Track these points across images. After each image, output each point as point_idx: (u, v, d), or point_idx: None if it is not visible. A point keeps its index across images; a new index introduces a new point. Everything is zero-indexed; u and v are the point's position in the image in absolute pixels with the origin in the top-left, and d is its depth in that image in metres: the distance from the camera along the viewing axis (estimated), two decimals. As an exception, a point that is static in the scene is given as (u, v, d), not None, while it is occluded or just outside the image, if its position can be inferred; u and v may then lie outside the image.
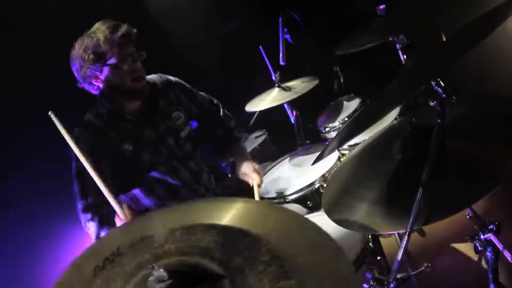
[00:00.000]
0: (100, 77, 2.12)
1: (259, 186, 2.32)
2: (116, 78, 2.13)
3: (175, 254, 0.87)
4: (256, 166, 2.39)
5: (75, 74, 2.16)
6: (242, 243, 0.85)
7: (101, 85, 2.15)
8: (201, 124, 2.55)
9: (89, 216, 2.12)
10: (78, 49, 2.10)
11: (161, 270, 0.74)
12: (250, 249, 0.82)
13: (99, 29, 2.10)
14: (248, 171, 2.37)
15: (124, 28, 2.11)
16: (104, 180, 1.74)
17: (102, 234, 2.16)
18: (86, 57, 2.07)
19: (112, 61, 2.09)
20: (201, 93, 2.58)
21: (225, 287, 0.75)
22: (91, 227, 2.13)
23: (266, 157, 3.17)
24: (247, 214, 0.98)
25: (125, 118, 2.22)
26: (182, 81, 2.53)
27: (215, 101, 2.66)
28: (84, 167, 2.08)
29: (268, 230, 0.89)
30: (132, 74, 2.14)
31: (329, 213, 1.41)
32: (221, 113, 2.64)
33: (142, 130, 2.24)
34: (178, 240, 0.92)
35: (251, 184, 2.33)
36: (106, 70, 2.10)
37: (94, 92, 2.19)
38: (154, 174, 2.25)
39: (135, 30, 2.15)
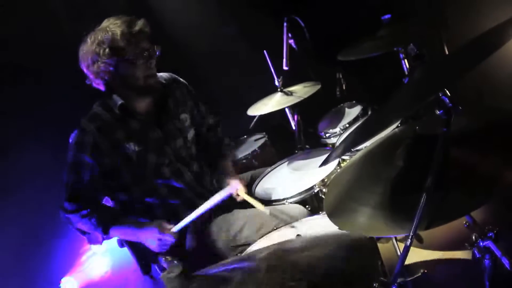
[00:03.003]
0: (114, 72, 2.09)
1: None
2: (131, 74, 2.10)
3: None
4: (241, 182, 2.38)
5: (85, 70, 2.13)
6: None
7: (113, 81, 2.13)
8: (199, 132, 2.54)
9: (84, 212, 2.11)
10: (91, 44, 2.06)
11: (175, 262, 0.76)
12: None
13: (114, 24, 2.06)
14: (235, 184, 2.32)
15: (140, 23, 2.09)
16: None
17: (97, 236, 2.17)
18: (101, 51, 2.03)
19: (128, 56, 2.05)
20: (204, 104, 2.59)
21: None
22: (85, 225, 2.13)
23: (265, 160, 3.19)
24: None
25: (135, 116, 2.20)
26: (189, 85, 2.53)
27: (216, 117, 2.66)
28: (83, 159, 2.10)
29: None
30: (147, 71, 2.13)
31: (330, 216, 1.43)
32: (219, 129, 2.67)
33: (149, 130, 2.23)
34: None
35: (238, 194, 2.32)
36: (121, 66, 2.07)
37: (103, 88, 2.17)
38: (158, 180, 2.25)
39: (149, 26, 2.12)
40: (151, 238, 2.10)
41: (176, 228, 2.12)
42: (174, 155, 2.29)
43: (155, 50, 2.15)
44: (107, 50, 2.03)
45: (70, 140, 2.15)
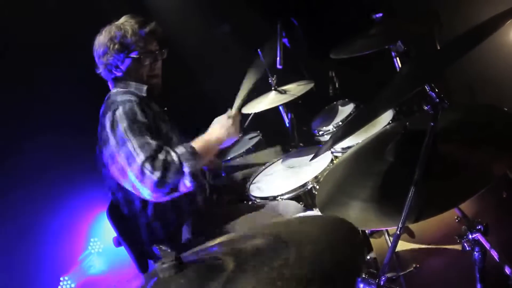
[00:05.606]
0: (121, 67, 2.22)
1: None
2: (135, 71, 2.24)
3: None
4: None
5: (96, 59, 2.25)
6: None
7: (119, 75, 2.24)
8: None
9: (162, 155, 1.96)
10: (105, 37, 2.19)
11: (168, 249, 0.78)
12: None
13: (128, 22, 2.21)
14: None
15: (152, 25, 2.24)
16: None
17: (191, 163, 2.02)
18: (112, 46, 2.17)
19: (135, 54, 2.19)
20: None
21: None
22: (175, 158, 1.97)
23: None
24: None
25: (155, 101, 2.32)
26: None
27: None
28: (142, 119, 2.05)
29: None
30: (151, 71, 2.27)
31: (322, 210, 1.45)
32: None
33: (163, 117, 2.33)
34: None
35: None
36: (127, 62, 2.21)
37: (109, 79, 2.29)
38: None
39: (160, 29, 2.26)
40: (226, 128, 2.21)
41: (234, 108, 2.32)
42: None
43: (162, 53, 2.29)
44: (117, 45, 2.17)
45: (117, 114, 2.05)
